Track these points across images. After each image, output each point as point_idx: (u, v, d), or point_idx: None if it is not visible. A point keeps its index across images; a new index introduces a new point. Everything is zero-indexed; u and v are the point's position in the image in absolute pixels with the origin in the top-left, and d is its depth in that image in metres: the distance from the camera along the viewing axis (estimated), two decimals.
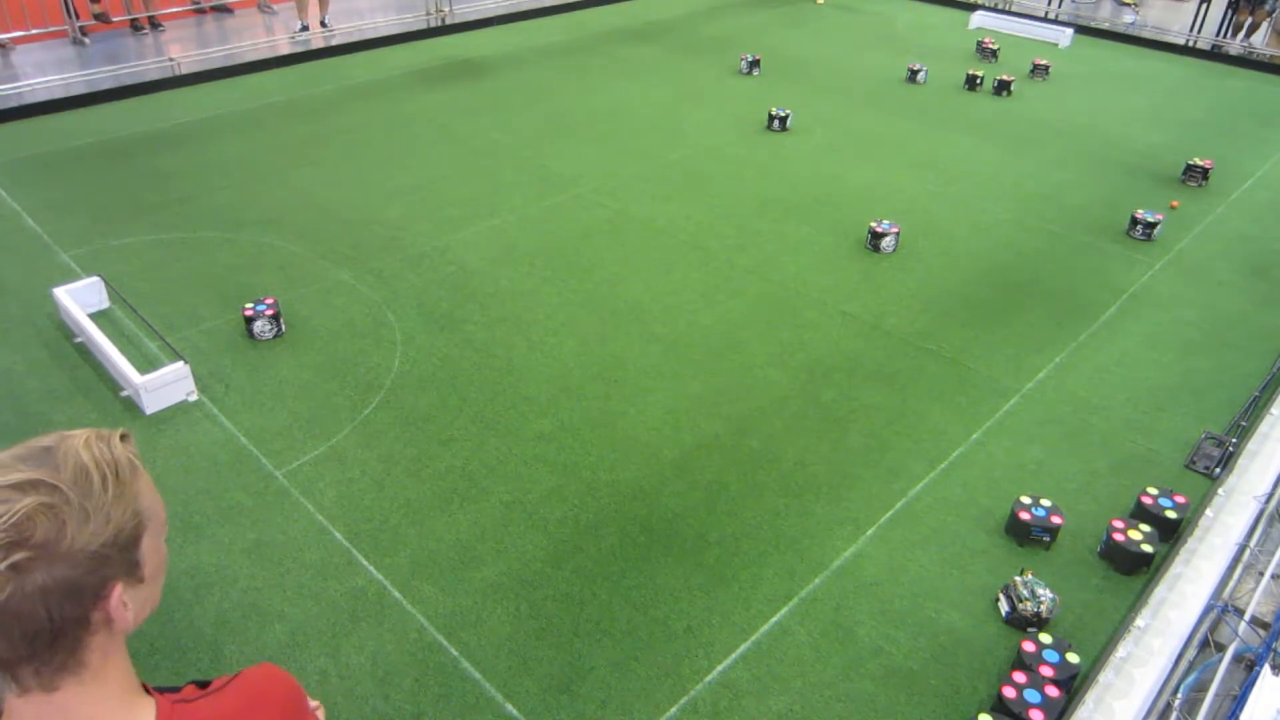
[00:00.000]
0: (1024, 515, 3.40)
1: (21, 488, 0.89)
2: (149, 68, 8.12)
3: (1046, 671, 2.80)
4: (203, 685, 1.11)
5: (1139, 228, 5.82)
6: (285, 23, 9.24)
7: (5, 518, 0.87)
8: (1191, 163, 6.70)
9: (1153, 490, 3.58)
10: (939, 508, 3.61)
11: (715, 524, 3.49)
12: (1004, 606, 3.12)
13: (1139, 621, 2.97)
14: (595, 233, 5.67)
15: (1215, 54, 10.10)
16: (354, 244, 5.41)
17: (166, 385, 3.99)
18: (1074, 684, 2.82)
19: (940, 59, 9.41)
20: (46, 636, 0.91)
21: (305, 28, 9.07)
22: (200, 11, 9.99)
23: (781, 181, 6.52)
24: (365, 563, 3.26)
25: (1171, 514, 3.48)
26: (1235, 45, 10.18)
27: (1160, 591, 3.09)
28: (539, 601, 3.14)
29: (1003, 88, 8.47)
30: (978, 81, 8.53)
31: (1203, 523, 3.41)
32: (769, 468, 3.78)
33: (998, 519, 3.55)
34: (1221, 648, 2.92)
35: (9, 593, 0.87)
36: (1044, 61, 9.05)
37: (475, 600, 3.13)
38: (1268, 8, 10.19)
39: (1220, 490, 3.59)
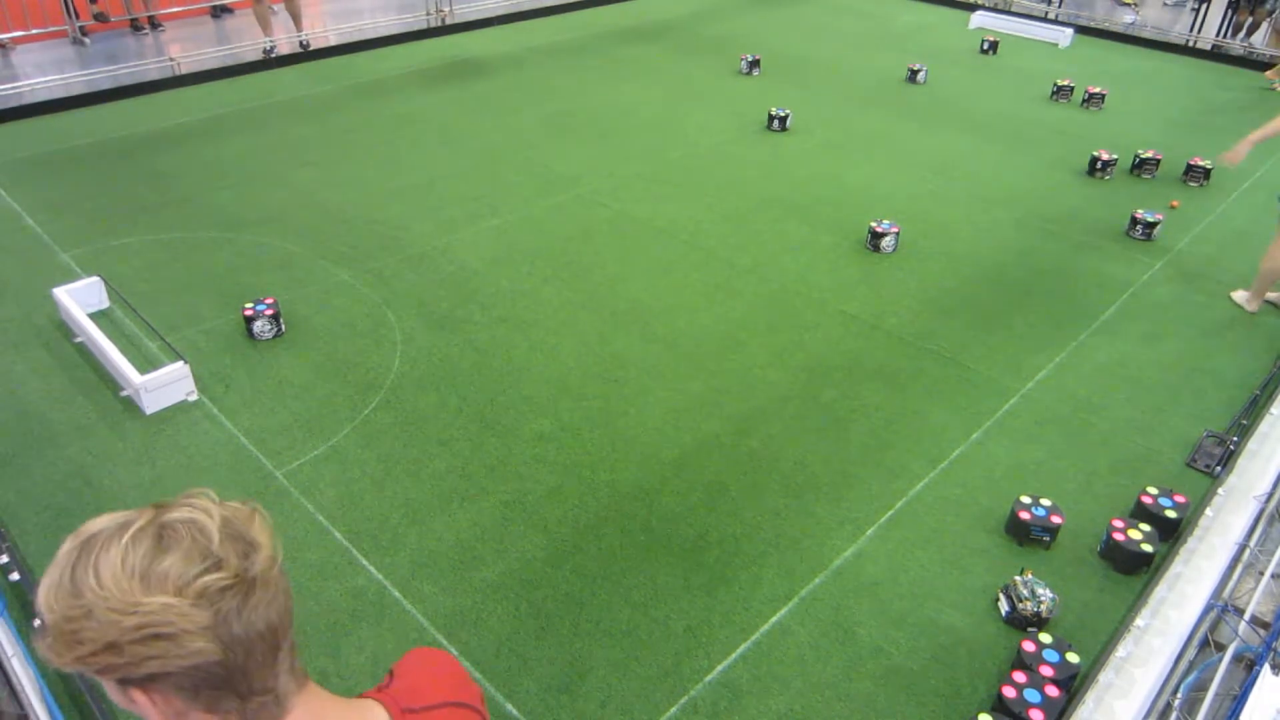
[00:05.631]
0: (1024, 515, 3.40)
1: None
2: (149, 68, 8.13)
3: (1046, 671, 2.80)
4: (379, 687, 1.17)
5: (1139, 228, 5.82)
6: (284, 23, 9.24)
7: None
8: (1190, 162, 6.72)
9: (1153, 490, 3.58)
10: (939, 508, 3.61)
11: (715, 524, 3.49)
12: (1004, 606, 3.12)
13: (1139, 621, 2.96)
14: (595, 233, 5.67)
15: (1215, 54, 10.10)
16: (354, 244, 5.41)
17: (166, 385, 3.99)
18: (1074, 684, 2.82)
19: (940, 59, 9.42)
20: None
21: (303, 39, 9.06)
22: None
23: (781, 181, 6.51)
24: (365, 563, 3.26)
25: (1171, 514, 3.47)
26: (1235, 45, 10.18)
27: (1160, 591, 3.09)
28: (539, 601, 3.14)
29: (1091, 99, 8.28)
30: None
31: (1203, 522, 3.41)
32: (769, 468, 3.78)
33: (998, 519, 3.55)
34: (1221, 647, 2.92)
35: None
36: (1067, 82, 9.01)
37: (475, 600, 3.13)
38: (1268, 7, 10.19)
39: (1220, 490, 3.59)
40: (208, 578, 0.86)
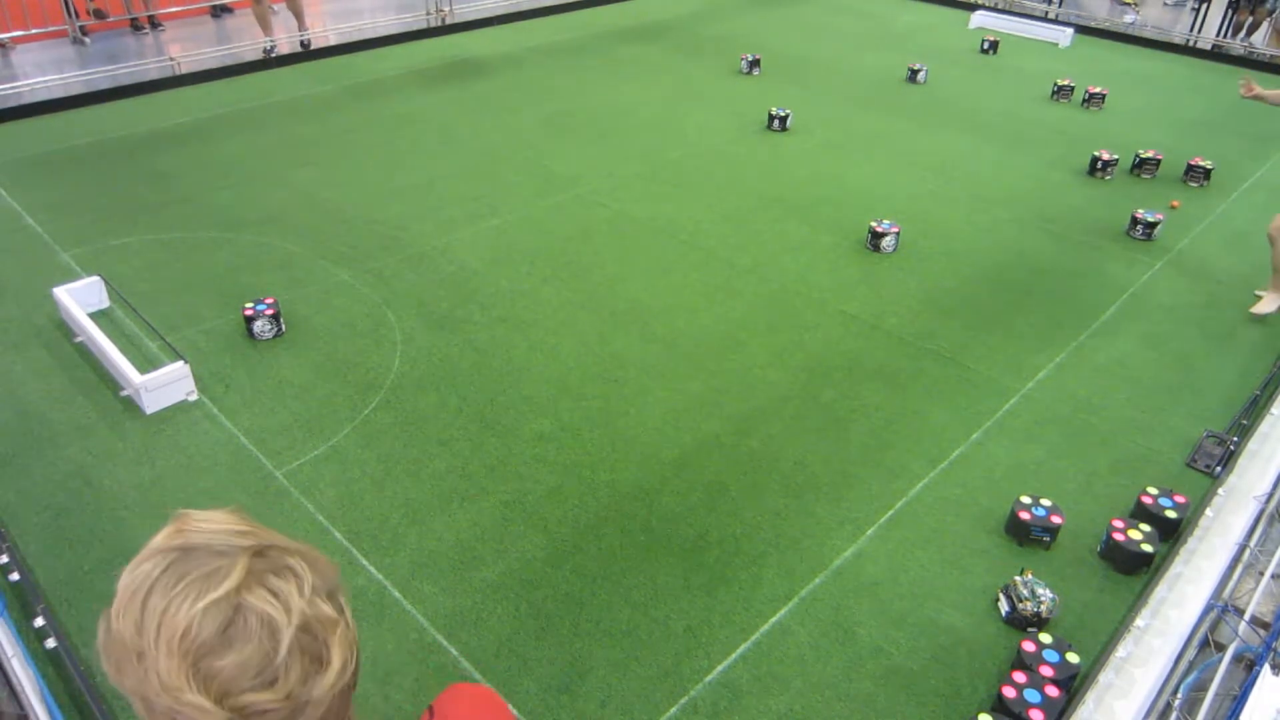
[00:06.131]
0: (1024, 515, 3.40)
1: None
2: (149, 67, 8.13)
3: (1046, 671, 2.80)
4: None
5: (1139, 228, 5.82)
6: (285, 22, 9.24)
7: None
8: (1193, 163, 6.72)
9: (1153, 490, 3.58)
10: (939, 508, 3.61)
11: (715, 524, 3.49)
12: (1004, 606, 3.12)
13: (1139, 621, 2.96)
14: (595, 233, 5.67)
15: (1215, 54, 10.10)
16: (354, 244, 5.41)
17: (166, 385, 3.99)
18: (1074, 684, 2.82)
19: (940, 59, 9.42)
20: None
21: (304, 39, 9.06)
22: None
23: (781, 181, 6.51)
24: (365, 563, 3.26)
25: (1171, 514, 3.47)
26: (1235, 45, 10.18)
27: (1160, 591, 3.09)
28: (539, 601, 3.14)
29: (1091, 99, 8.25)
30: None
31: (1203, 522, 3.41)
32: (769, 468, 3.78)
33: (998, 519, 3.55)
34: (1221, 648, 2.92)
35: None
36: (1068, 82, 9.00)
37: (475, 600, 3.13)
38: (1268, 7, 10.19)
39: (1220, 490, 3.59)
40: (253, 697, 0.80)
